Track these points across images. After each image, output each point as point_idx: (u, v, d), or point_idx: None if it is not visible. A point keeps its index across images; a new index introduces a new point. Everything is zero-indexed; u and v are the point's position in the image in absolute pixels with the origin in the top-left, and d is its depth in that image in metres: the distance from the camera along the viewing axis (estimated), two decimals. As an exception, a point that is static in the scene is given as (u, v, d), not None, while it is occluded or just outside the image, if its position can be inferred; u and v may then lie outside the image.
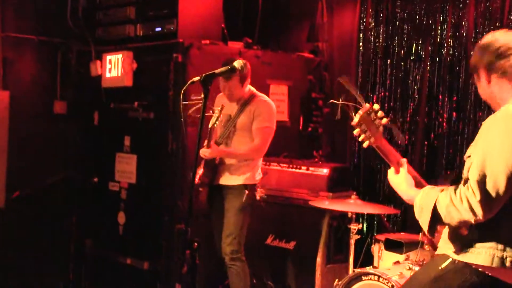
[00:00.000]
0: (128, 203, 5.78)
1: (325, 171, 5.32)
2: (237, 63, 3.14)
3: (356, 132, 2.85)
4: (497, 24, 5.07)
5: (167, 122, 5.41)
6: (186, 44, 5.30)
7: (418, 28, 5.55)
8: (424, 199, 2.79)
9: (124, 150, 5.81)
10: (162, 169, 5.48)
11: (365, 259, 4.91)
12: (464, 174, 2.75)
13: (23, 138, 6.00)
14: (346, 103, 2.89)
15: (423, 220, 2.78)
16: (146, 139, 5.64)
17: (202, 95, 3.12)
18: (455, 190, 2.68)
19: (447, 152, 5.38)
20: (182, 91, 3.21)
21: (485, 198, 2.58)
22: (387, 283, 4.19)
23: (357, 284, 4.35)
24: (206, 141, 4.70)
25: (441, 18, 5.40)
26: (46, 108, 6.21)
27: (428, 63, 5.47)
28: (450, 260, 2.80)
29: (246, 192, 4.79)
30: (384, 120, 2.82)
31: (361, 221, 5.58)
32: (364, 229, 5.68)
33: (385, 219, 5.56)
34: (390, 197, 5.56)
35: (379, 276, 4.24)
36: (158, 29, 5.58)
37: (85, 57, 6.12)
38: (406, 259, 4.52)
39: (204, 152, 4.72)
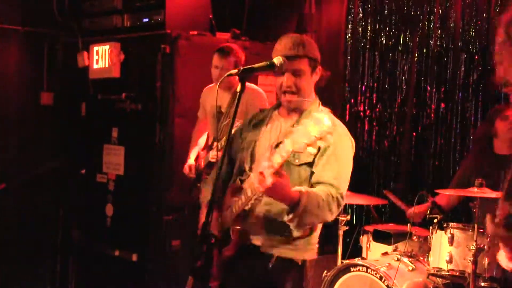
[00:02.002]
0: (116, 195, 5.76)
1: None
2: (277, 60, 3.10)
3: None
4: (484, 15, 5.09)
5: (155, 113, 5.39)
6: (174, 35, 5.28)
7: (405, 19, 5.55)
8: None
9: (111, 141, 5.78)
10: (150, 160, 5.46)
11: (354, 250, 4.92)
12: None
13: (9, 129, 5.96)
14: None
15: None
16: (134, 130, 5.62)
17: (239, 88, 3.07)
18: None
19: (435, 143, 5.40)
20: (219, 82, 3.20)
21: None
22: (376, 274, 4.21)
23: (345, 276, 4.37)
24: (215, 143, 4.69)
25: (429, 9, 5.41)
26: (33, 100, 6.18)
27: (416, 54, 5.48)
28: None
29: None
30: None
31: (349, 212, 5.59)
32: (354, 220, 5.68)
33: (374, 210, 5.57)
34: (379, 188, 5.58)
35: (367, 267, 4.26)
36: (146, 19, 5.54)
37: (72, 48, 6.07)
38: (395, 250, 4.54)
39: (214, 156, 4.66)
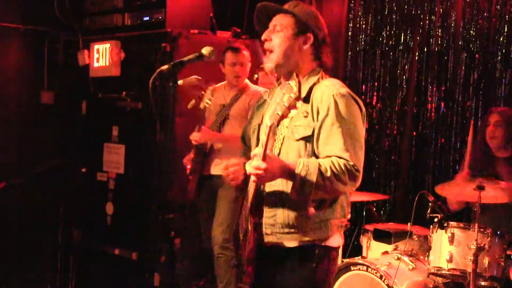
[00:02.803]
0: (116, 194, 5.76)
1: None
2: (205, 50, 3.10)
3: None
4: (485, 14, 5.09)
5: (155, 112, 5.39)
6: (174, 34, 5.28)
7: (406, 18, 5.55)
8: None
9: (112, 140, 5.78)
10: (150, 159, 5.46)
11: (354, 249, 4.92)
12: None
13: (9, 128, 5.95)
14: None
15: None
16: (134, 129, 5.62)
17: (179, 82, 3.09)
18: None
19: (435, 142, 5.39)
20: (151, 80, 3.12)
21: None
22: (376, 273, 4.21)
23: (346, 274, 4.37)
24: (197, 126, 4.71)
25: (429, 8, 5.41)
26: (33, 98, 6.16)
27: (417, 53, 5.48)
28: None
29: None
30: None
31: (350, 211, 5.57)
32: (355, 218, 5.68)
33: (374, 209, 5.57)
34: (379, 187, 5.59)
35: (367, 266, 4.26)
36: (146, 18, 5.54)
37: (73, 46, 6.07)
38: (395, 249, 4.54)
39: (194, 137, 4.72)
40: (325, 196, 2.73)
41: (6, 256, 5.91)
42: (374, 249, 4.69)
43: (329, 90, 2.75)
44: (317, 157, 2.72)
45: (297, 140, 2.74)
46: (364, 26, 5.82)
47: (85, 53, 5.89)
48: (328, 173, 2.61)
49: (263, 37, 2.86)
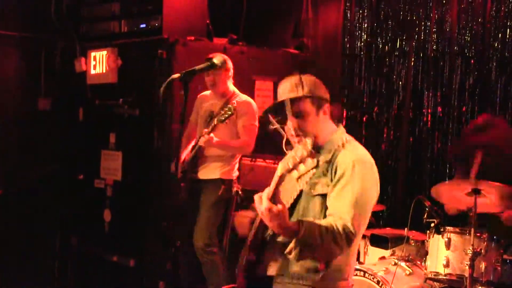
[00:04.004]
0: (114, 200, 5.76)
1: (310, 167, 5.32)
2: (217, 59, 3.13)
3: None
4: (479, 20, 5.12)
5: (153, 119, 5.40)
6: (171, 40, 5.29)
7: (402, 24, 5.58)
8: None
9: (109, 147, 5.78)
10: (147, 166, 5.47)
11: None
12: None
13: (7, 135, 5.96)
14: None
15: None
16: (132, 136, 5.62)
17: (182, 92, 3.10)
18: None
19: (431, 147, 5.41)
20: (162, 89, 3.14)
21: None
22: (373, 278, 4.21)
23: (343, 280, 4.36)
24: (204, 129, 4.74)
25: (425, 14, 5.43)
26: (30, 105, 6.17)
27: (413, 59, 5.50)
28: None
29: (223, 186, 4.84)
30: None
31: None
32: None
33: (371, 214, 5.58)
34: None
35: (365, 272, 4.26)
36: (143, 25, 5.56)
37: (70, 53, 6.08)
38: (392, 254, 4.55)
39: (201, 142, 4.75)
40: (321, 258, 2.82)
41: (4, 263, 5.91)
42: (371, 255, 4.70)
43: (351, 154, 2.87)
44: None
45: (314, 196, 2.87)
46: (360, 32, 5.84)
47: (82, 60, 5.90)
48: (328, 235, 2.68)
49: (293, 128, 2.94)
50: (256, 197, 2.72)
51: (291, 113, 2.91)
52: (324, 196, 2.84)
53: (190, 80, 3.01)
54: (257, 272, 2.95)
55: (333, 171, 2.84)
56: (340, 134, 2.98)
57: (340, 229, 2.69)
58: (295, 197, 2.78)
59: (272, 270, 2.92)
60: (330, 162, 2.87)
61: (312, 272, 2.84)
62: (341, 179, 2.80)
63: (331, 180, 2.83)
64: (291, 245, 2.67)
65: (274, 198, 2.62)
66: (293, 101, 2.89)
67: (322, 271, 2.83)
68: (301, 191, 2.84)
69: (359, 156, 2.87)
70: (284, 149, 2.87)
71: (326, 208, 2.82)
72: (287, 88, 2.91)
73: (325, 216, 2.80)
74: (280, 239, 2.85)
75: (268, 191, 2.65)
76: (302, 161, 2.52)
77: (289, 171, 2.57)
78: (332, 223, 2.70)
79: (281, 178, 2.62)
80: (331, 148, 2.89)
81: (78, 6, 6.14)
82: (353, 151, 2.89)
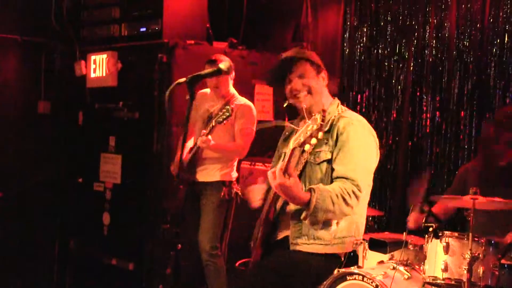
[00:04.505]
0: (113, 204, 5.77)
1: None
2: (223, 65, 3.18)
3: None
4: (478, 26, 5.13)
5: (152, 122, 5.41)
6: (171, 44, 5.31)
7: (401, 28, 5.59)
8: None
9: (109, 150, 5.80)
10: (147, 169, 5.48)
11: (350, 258, 4.92)
12: None
13: (6, 138, 5.96)
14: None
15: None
16: (131, 139, 5.64)
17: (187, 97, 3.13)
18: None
19: (430, 152, 5.42)
20: (168, 93, 3.21)
21: None
22: (372, 282, 4.21)
23: (342, 284, 4.36)
24: (203, 131, 4.75)
25: (424, 19, 5.44)
26: (30, 108, 6.18)
27: (412, 63, 5.51)
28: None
29: (224, 188, 4.85)
30: None
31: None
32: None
33: (370, 219, 5.58)
34: (374, 198, 5.59)
35: (363, 276, 4.26)
36: (143, 29, 5.58)
37: (70, 57, 6.10)
38: (390, 259, 4.55)
39: (199, 142, 4.76)
40: (334, 218, 3.18)
41: (2, 266, 5.91)
42: (369, 259, 4.68)
43: (348, 120, 3.23)
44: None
45: (318, 163, 3.19)
46: (359, 36, 5.86)
47: (82, 63, 5.92)
48: (338, 199, 3.02)
49: (295, 87, 3.26)
50: (269, 173, 3.01)
51: (295, 74, 3.24)
52: (329, 161, 3.18)
53: (195, 84, 3.05)
54: (271, 241, 3.32)
55: (335, 137, 3.18)
56: (336, 105, 3.34)
57: (349, 190, 3.03)
58: (300, 169, 3.16)
59: (286, 234, 3.26)
60: (329, 132, 3.19)
61: (325, 230, 3.22)
62: (344, 143, 3.14)
63: (335, 145, 3.14)
64: (305, 212, 2.99)
65: (287, 171, 2.89)
66: (295, 64, 3.22)
67: (333, 230, 3.24)
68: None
69: (358, 121, 3.25)
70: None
71: (332, 170, 3.15)
72: (288, 53, 3.30)
73: (331, 179, 3.14)
74: (292, 207, 3.17)
75: (280, 166, 2.91)
76: (313, 135, 2.75)
77: (301, 145, 2.83)
78: (341, 186, 3.04)
79: (293, 152, 2.90)
80: (328, 118, 3.19)
81: (78, 10, 6.16)
82: (351, 117, 3.27)
